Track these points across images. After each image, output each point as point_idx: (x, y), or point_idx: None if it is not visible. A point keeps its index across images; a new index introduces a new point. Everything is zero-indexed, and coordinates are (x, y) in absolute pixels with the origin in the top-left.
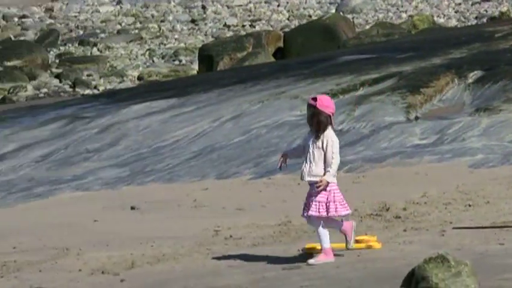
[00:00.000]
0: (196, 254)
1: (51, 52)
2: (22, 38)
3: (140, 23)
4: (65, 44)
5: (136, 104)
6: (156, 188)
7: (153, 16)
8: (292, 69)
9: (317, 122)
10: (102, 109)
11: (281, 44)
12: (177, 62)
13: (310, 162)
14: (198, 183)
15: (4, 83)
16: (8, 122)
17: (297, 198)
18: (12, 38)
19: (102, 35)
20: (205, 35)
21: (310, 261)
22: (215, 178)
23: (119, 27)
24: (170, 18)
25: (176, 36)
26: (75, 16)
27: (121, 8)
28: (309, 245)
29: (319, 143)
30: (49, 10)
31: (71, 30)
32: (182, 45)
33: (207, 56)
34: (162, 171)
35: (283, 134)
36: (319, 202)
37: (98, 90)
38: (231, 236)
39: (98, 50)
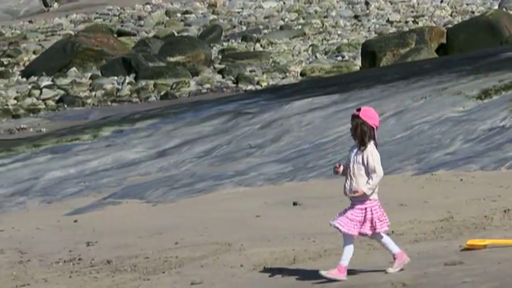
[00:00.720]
0: (357, 249)
1: (214, 48)
2: (185, 34)
3: (303, 18)
4: (228, 40)
5: (299, 99)
6: (318, 184)
7: (316, 12)
8: (455, 65)
9: (360, 132)
10: (264, 105)
11: (444, 40)
12: (339, 58)
13: (351, 178)
14: None
15: (167, 78)
16: (171, 117)
17: (460, 194)
18: (176, 34)
19: (265, 31)
20: (368, 30)
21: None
22: None
23: (281, 23)
24: (333, 14)
25: (339, 32)
26: (238, 12)
27: (284, 3)
28: (471, 241)
29: (360, 158)
30: (212, 6)
31: (234, 26)
32: (345, 41)
33: (369, 52)
34: (324, 167)
35: (446, 130)
36: (351, 220)
37: (261, 86)
38: (393, 232)
39: (261, 45)
